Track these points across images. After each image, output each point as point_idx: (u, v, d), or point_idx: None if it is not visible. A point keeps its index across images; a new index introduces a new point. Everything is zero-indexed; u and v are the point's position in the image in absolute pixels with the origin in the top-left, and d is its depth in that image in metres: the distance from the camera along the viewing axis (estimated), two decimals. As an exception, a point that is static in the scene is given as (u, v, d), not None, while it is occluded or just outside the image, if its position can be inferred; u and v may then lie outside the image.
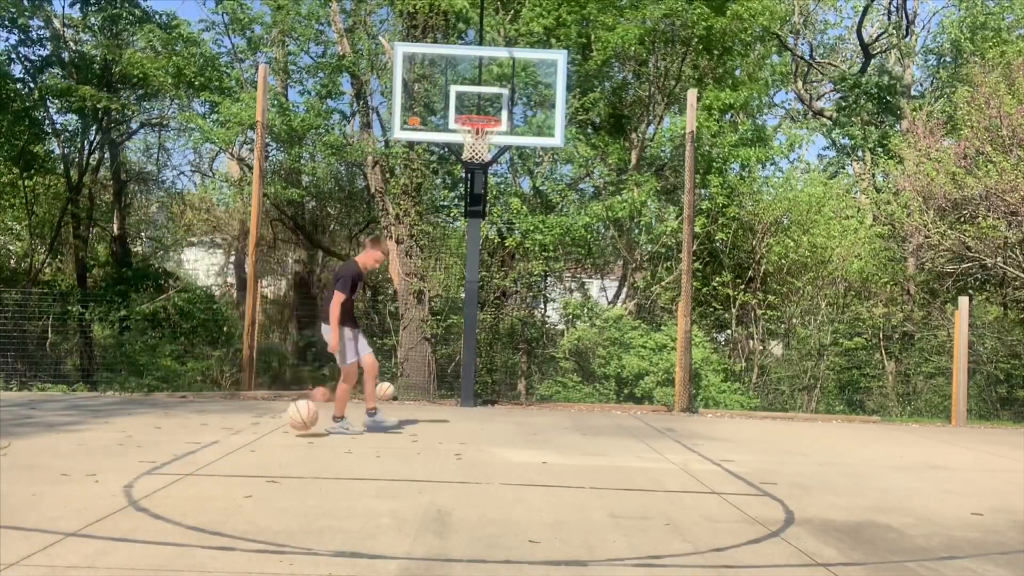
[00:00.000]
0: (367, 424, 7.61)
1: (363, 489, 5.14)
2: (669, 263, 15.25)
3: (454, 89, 11.10)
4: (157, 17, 16.70)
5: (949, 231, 14.24)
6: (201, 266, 26.55)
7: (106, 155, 18.19)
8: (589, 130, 15.42)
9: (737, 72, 15.98)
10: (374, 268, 7.51)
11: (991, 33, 17.45)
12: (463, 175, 11.67)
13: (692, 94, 11.90)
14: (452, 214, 15.76)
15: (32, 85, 16.82)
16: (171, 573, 3.40)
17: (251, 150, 14.88)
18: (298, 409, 7.12)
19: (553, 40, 14.17)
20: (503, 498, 5.05)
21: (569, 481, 5.66)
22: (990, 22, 17.86)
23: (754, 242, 15.16)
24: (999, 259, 13.88)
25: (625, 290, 16.12)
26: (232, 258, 25.48)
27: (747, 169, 15.39)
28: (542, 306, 16.16)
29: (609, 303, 16.33)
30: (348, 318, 7.17)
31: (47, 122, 17.28)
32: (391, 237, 13.87)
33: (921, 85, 21.27)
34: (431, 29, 13.74)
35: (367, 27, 15.56)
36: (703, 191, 14.74)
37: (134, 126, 19.22)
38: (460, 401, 10.99)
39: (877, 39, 22.13)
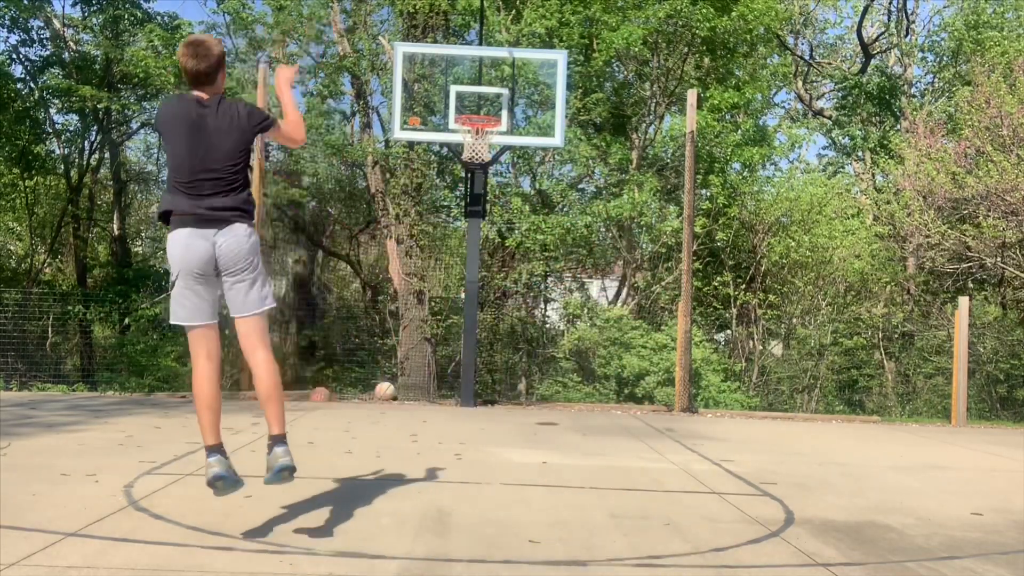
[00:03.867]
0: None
1: (363, 489, 5.14)
2: (670, 263, 15.25)
3: (454, 89, 11.09)
4: (159, 18, 16.73)
5: (949, 231, 14.25)
6: (201, 266, 26.48)
7: (106, 155, 18.20)
8: (591, 130, 15.42)
9: (738, 72, 15.98)
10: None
11: (993, 32, 17.44)
12: (463, 175, 11.68)
13: (692, 94, 11.90)
14: (452, 214, 15.76)
15: (32, 85, 16.84)
16: (171, 573, 3.40)
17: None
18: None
19: (556, 40, 14.18)
20: (503, 498, 5.05)
21: (569, 481, 5.66)
22: (991, 21, 17.85)
23: (755, 241, 15.17)
24: (999, 259, 13.88)
25: (625, 290, 16.12)
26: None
27: (748, 168, 15.39)
28: (542, 306, 16.15)
29: (609, 303, 16.33)
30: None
31: (47, 122, 17.31)
32: (391, 237, 13.87)
33: (920, 83, 21.27)
34: (431, 29, 13.74)
35: (367, 27, 15.56)
36: (704, 191, 14.74)
37: (134, 126, 19.24)
38: (460, 401, 10.99)
39: (877, 39, 22.12)
